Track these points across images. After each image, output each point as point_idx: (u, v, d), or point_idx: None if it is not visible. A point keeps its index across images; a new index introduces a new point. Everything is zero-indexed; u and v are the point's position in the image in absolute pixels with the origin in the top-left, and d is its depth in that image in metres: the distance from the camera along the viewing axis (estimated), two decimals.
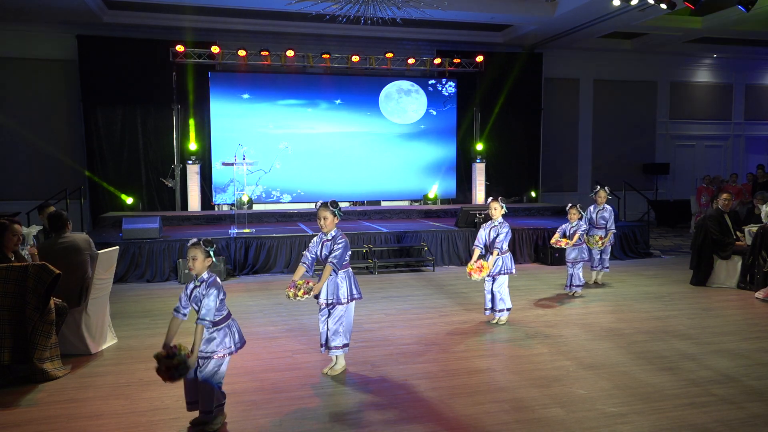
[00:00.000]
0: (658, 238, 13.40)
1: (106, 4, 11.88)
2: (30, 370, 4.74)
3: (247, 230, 9.86)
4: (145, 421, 4.02)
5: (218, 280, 3.89)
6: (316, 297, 4.75)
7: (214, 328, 3.82)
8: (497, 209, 6.31)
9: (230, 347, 3.86)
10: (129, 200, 12.70)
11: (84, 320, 5.39)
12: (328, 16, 9.99)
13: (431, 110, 14.37)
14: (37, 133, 12.66)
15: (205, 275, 3.82)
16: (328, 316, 4.84)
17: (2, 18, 11.95)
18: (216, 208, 13.13)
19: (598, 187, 8.55)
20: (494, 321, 6.42)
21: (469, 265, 6.23)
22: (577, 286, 7.71)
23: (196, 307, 3.79)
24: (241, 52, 12.50)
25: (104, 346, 5.63)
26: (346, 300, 4.81)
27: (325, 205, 4.85)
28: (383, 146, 14.09)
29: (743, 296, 7.69)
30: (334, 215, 4.82)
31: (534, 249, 10.49)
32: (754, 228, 8.01)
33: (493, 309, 6.42)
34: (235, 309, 7.13)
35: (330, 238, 4.83)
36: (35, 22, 12.27)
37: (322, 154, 13.66)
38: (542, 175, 15.53)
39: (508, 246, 6.41)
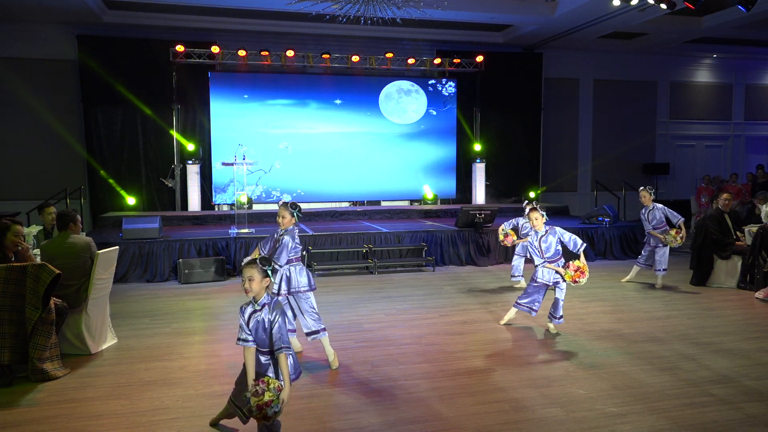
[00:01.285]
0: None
1: (106, 4, 11.88)
2: (30, 370, 4.74)
3: (247, 230, 9.87)
4: (145, 421, 4.02)
5: (279, 300, 3.67)
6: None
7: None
8: (539, 219, 5.81)
9: (292, 374, 3.49)
10: (130, 200, 12.70)
11: (84, 320, 5.39)
12: (328, 16, 9.99)
13: (431, 110, 14.37)
14: (37, 133, 12.66)
15: (266, 298, 3.45)
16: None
17: (2, 18, 11.94)
18: (216, 208, 13.13)
19: (641, 188, 8.27)
20: (553, 330, 6.01)
21: (566, 273, 5.76)
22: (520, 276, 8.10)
23: (260, 336, 3.42)
24: (241, 52, 12.50)
25: (104, 346, 5.63)
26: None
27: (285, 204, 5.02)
28: (383, 146, 14.09)
29: (743, 296, 7.69)
30: (292, 215, 5.00)
31: None
32: (754, 228, 8.02)
33: (553, 316, 5.99)
34: (235, 309, 7.16)
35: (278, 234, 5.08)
36: (35, 22, 12.26)
37: (322, 154, 13.66)
38: (542, 175, 15.53)
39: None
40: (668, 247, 8.13)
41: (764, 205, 8.05)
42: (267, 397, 3.11)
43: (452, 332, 6.12)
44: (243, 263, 3.47)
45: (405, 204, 14.31)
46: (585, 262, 5.81)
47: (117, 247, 5.98)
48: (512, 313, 6.30)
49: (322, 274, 9.24)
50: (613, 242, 10.90)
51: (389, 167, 14.10)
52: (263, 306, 3.44)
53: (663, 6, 9.16)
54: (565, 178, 16.11)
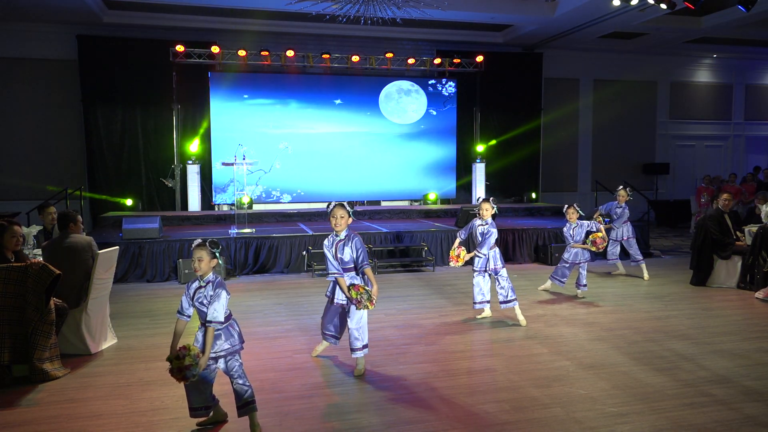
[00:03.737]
0: (658, 238, 13.40)
1: (106, 4, 11.88)
2: (30, 370, 4.74)
3: (247, 230, 9.86)
4: (145, 421, 4.02)
5: (223, 280, 3.89)
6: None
7: (222, 327, 3.82)
8: (488, 210, 6.38)
9: (237, 345, 3.88)
10: (129, 200, 12.71)
11: (84, 320, 5.39)
12: (328, 16, 10.00)
13: (431, 110, 14.37)
14: (37, 133, 12.66)
15: (210, 276, 3.81)
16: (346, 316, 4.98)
17: (2, 18, 11.95)
18: (216, 208, 13.13)
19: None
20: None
21: (452, 250, 6.48)
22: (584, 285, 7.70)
23: (201, 309, 3.77)
24: (241, 52, 12.50)
25: (104, 346, 5.63)
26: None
27: (341, 204, 4.86)
28: (383, 146, 14.09)
29: (743, 296, 7.69)
30: (349, 215, 4.87)
31: (534, 249, 10.49)
32: (754, 228, 8.02)
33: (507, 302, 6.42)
34: (235, 309, 7.13)
35: (343, 238, 4.89)
36: (35, 22, 12.27)
37: (322, 154, 13.66)
38: (542, 175, 15.54)
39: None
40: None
41: (764, 205, 8.05)
42: (186, 361, 3.56)
43: (452, 332, 6.12)
44: (193, 245, 3.81)
45: (405, 204, 14.32)
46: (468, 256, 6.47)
47: (117, 247, 5.98)
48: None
49: (322, 274, 9.23)
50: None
51: (389, 167, 14.10)
52: (208, 283, 3.79)
53: (663, 6, 9.17)
54: (565, 178, 16.12)
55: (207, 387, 3.84)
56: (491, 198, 6.54)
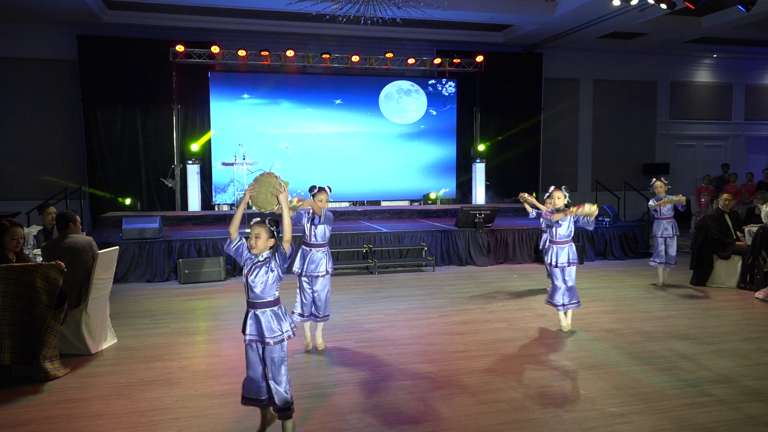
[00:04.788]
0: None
1: (106, 4, 11.88)
2: (33, 370, 4.75)
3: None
4: (145, 421, 4.02)
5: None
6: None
7: (275, 307, 3.70)
8: (560, 198, 5.97)
9: (290, 328, 3.74)
10: (129, 200, 12.70)
11: (84, 320, 5.39)
12: (328, 16, 9.99)
13: (431, 110, 14.37)
14: (38, 133, 12.66)
15: (267, 253, 3.69)
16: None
17: (2, 18, 11.94)
18: (216, 208, 13.13)
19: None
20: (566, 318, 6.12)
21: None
22: None
23: (253, 286, 3.63)
24: (241, 52, 12.50)
25: (104, 346, 5.63)
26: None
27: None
28: (383, 146, 14.09)
29: (743, 296, 7.69)
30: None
31: (534, 249, 10.49)
32: (754, 228, 8.02)
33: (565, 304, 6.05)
34: (235, 309, 7.17)
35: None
36: (35, 22, 12.26)
37: (322, 154, 13.66)
38: (542, 175, 15.52)
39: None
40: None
41: (764, 205, 8.05)
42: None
43: (452, 332, 6.12)
44: (252, 222, 3.70)
45: (405, 204, 14.31)
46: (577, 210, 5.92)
47: (117, 247, 5.98)
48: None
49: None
50: (613, 242, 10.89)
51: (389, 167, 14.10)
52: (265, 260, 3.67)
53: (663, 6, 9.16)
54: (565, 178, 16.08)
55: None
56: (563, 186, 6.15)
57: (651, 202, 8.29)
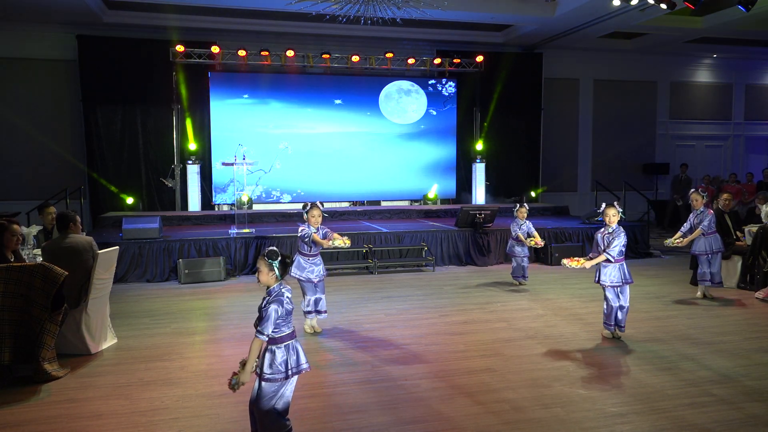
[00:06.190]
0: (658, 238, 13.38)
1: (106, 4, 11.88)
2: (33, 370, 4.74)
3: (247, 230, 9.86)
4: (145, 421, 4.02)
5: (286, 294, 3.51)
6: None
7: (273, 346, 3.49)
8: (615, 215, 5.82)
9: (283, 371, 3.47)
10: (129, 200, 12.70)
11: (84, 320, 5.39)
12: (328, 16, 9.98)
13: (431, 110, 14.36)
14: (37, 133, 12.64)
15: (275, 287, 3.51)
16: None
17: (2, 18, 11.94)
18: (216, 208, 13.12)
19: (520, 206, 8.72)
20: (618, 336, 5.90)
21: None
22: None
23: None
24: (241, 52, 12.49)
25: (104, 346, 5.63)
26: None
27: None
28: (383, 146, 14.09)
29: (743, 296, 7.69)
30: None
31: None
32: (754, 228, 8.01)
33: (617, 324, 5.87)
34: (235, 309, 7.18)
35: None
36: (35, 22, 12.26)
37: (322, 154, 13.66)
38: (542, 175, 15.52)
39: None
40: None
41: (764, 205, 8.05)
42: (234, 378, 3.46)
43: (452, 332, 6.12)
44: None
45: (405, 204, 14.31)
46: (591, 263, 5.93)
47: (117, 247, 5.98)
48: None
49: None
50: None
51: (389, 167, 14.10)
52: (270, 295, 3.52)
53: (663, 6, 9.16)
54: (565, 178, 16.11)
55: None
56: (615, 202, 5.96)
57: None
